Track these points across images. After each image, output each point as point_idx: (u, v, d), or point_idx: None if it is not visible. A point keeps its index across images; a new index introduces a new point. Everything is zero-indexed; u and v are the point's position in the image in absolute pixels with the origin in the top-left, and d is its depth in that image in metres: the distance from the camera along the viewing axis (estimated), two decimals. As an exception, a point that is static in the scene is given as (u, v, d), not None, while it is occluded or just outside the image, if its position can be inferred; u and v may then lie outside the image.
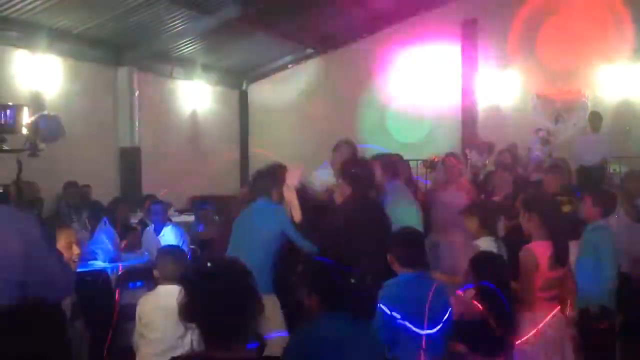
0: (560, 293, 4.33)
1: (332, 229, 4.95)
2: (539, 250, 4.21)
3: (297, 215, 5.08)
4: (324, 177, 6.04)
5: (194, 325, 2.43)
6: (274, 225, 5.08)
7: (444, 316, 3.98)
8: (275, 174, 5.39)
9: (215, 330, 2.33)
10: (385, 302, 3.88)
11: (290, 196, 5.12)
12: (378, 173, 5.42)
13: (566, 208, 5.75)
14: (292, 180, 5.30)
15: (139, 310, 4.16)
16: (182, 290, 2.39)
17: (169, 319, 3.91)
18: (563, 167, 7.19)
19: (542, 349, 4.19)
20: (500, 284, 4.15)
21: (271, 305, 4.73)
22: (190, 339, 3.79)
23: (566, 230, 4.46)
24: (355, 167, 5.15)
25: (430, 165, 9.26)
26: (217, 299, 2.31)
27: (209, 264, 2.44)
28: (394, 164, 5.98)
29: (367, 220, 4.81)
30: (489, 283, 4.11)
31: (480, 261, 4.34)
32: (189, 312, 2.37)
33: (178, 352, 3.52)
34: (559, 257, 4.22)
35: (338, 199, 5.27)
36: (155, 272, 4.22)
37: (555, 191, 5.96)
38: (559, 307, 4.32)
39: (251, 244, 4.98)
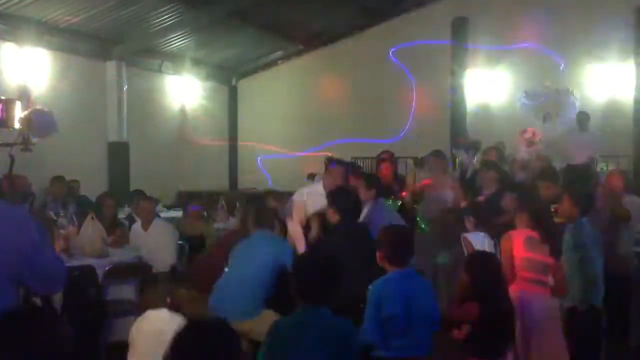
0: (551, 280, 4.69)
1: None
2: (515, 234, 4.80)
3: (301, 247, 5.14)
4: (314, 197, 6.04)
5: None
6: (277, 256, 5.07)
7: (431, 313, 4.02)
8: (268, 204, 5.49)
9: None
10: (373, 300, 3.94)
11: (294, 230, 5.21)
12: (361, 191, 5.62)
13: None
14: (297, 214, 5.44)
15: (130, 337, 4.12)
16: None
17: (159, 343, 3.92)
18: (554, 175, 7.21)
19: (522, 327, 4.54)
20: (495, 283, 4.20)
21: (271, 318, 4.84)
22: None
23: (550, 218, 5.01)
24: (343, 199, 5.18)
25: (419, 163, 9.27)
26: None
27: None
28: (376, 179, 6.28)
29: (355, 246, 4.83)
30: (485, 282, 4.15)
31: (474, 261, 4.37)
32: None
33: None
34: (543, 239, 4.66)
35: (313, 232, 5.48)
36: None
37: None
38: (548, 293, 4.68)
39: (253, 269, 5.01)
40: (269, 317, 4.56)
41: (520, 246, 4.71)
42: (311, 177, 10.34)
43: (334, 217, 5.12)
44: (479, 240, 5.26)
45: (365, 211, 5.54)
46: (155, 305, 4.06)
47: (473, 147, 10.99)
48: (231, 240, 5.64)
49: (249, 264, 5.08)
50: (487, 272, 4.23)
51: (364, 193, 5.64)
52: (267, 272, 5.02)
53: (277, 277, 4.99)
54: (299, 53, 15.36)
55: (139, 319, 4.12)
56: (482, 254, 4.71)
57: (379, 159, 8.90)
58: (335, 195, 5.23)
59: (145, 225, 7.18)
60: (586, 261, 4.85)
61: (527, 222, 4.80)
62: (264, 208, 5.63)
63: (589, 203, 5.15)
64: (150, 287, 4.13)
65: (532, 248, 4.68)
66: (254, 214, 5.42)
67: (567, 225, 5.04)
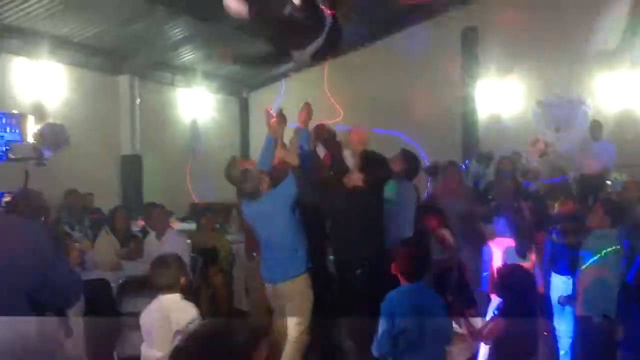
0: None
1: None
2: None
3: (294, 160, 5.41)
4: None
5: None
6: (284, 199, 5.23)
7: (443, 328, 4.03)
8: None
9: None
10: (386, 313, 3.95)
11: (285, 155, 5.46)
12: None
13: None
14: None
15: (140, 320, 4.16)
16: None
17: (167, 329, 3.95)
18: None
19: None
20: (525, 295, 4.17)
21: (304, 285, 5.18)
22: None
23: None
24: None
25: (431, 171, 9.25)
26: None
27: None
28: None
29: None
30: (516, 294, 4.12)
31: (506, 273, 4.33)
32: None
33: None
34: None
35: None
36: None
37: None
38: None
39: (277, 230, 5.23)
40: (301, 282, 5.11)
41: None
42: None
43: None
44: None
45: None
46: (165, 288, 4.08)
47: (486, 158, 10.99)
48: None
49: (266, 224, 5.32)
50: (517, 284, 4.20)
51: None
52: (288, 217, 5.26)
53: None
54: (309, 65, 15.37)
55: (150, 303, 4.14)
56: (512, 266, 4.58)
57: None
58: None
59: (159, 236, 7.17)
60: (609, 272, 4.80)
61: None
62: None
63: (620, 214, 5.11)
64: (162, 269, 4.14)
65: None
66: None
67: (590, 233, 5.02)
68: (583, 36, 12.19)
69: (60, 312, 3.50)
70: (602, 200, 5.38)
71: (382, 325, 3.94)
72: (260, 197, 5.33)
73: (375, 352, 3.96)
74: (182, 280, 4.13)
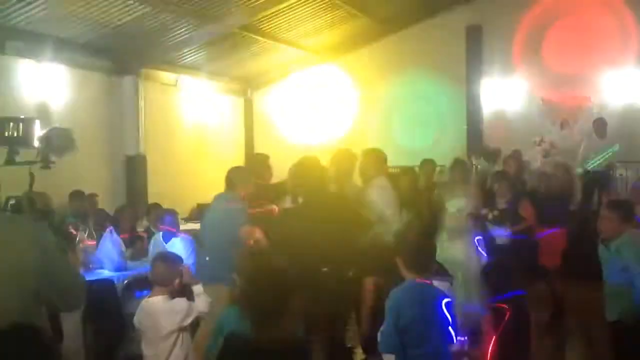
0: None
1: None
2: None
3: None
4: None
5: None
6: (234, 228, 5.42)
7: (448, 322, 3.99)
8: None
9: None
10: (392, 309, 3.94)
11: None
12: None
13: None
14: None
15: (135, 322, 4.23)
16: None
17: (157, 329, 4.02)
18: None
19: None
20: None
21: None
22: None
23: None
24: None
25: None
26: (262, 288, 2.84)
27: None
28: None
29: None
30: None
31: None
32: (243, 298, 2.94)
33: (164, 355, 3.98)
34: None
35: None
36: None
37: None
38: None
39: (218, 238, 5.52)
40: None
41: None
42: None
43: None
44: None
45: None
46: (158, 284, 4.17)
47: (493, 155, 11.00)
48: None
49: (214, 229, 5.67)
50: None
51: None
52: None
53: None
54: (313, 64, 15.37)
55: (139, 308, 4.20)
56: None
57: None
58: None
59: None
60: (634, 272, 4.72)
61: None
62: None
63: (631, 217, 5.04)
64: (159, 265, 4.20)
65: None
66: None
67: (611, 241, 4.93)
68: (588, 32, 12.18)
69: (53, 316, 3.51)
70: (608, 204, 5.24)
71: (387, 321, 3.93)
72: None
73: (381, 349, 3.96)
74: (177, 281, 4.17)
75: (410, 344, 3.88)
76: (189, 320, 4.12)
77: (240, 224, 5.48)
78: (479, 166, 10.53)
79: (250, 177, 6.18)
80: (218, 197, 6.10)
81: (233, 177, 6.07)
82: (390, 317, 3.92)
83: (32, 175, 3.29)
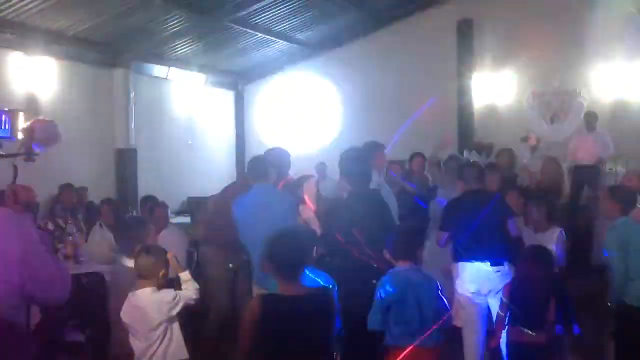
0: None
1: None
2: None
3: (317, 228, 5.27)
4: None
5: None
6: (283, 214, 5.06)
7: (434, 304, 4.25)
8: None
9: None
10: (379, 289, 4.23)
11: (308, 213, 5.35)
12: None
13: None
14: (309, 192, 5.46)
15: (121, 315, 4.21)
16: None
17: (145, 322, 4.01)
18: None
19: None
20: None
21: None
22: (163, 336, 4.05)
23: None
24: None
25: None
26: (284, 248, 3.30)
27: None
28: None
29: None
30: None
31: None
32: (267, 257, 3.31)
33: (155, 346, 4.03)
34: None
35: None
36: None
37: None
38: None
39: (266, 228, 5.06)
40: None
41: None
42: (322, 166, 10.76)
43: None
44: None
45: None
46: (143, 277, 4.13)
47: (485, 149, 11.06)
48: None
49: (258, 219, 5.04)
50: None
51: None
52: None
53: None
54: (305, 57, 15.35)
55: (126, 302, 4.18)
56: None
57: None
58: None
59: (157, 231, 7.14)
60: (634, 257, 4.75)
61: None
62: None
63: (631, 202, 5.09)
64: (142, 256, 4.17)
65: None
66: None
67: (608, 225, 5.01)
68: (579, 26, 12.19)
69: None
70: (610, 189, 5.32)
71: (376, 301, 4.23)
72: None
73: (369, 326, 4.23)
74: (162, 272, 4.16)
75: (394, 320, 4.20)
76: (177, 309, 4.11)
77: (295, 211, 5.31)
78: (471, 160, 10.55)
79: (287, 168, 5.93)
80: (257, 190, 5.36)
81: (266, 167, 5.51)
82: (378, 296, 4.22)
83: (15, 168, 3.26)
